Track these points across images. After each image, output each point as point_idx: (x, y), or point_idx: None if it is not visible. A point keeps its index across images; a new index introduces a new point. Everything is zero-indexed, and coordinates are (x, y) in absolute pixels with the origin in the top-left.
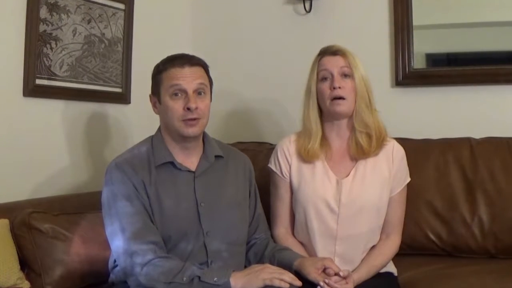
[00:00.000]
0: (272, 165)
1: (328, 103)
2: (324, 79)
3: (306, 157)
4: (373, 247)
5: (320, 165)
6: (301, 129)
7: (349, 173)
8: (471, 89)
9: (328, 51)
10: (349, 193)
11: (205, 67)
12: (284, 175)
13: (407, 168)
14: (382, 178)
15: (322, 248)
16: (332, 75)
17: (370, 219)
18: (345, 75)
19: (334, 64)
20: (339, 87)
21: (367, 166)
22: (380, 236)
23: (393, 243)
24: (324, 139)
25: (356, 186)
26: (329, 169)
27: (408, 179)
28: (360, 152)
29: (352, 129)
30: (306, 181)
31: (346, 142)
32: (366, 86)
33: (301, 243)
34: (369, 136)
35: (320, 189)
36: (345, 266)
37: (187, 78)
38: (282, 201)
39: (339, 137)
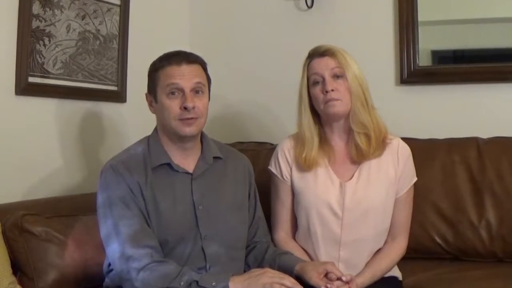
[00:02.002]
0: (272, 168)
1: (322, 107)
2: (316, 83)
3: (304, 165)
4: (378, 250)
5: (322, 169)
6: (298, 134)
7: (353, 176)
8: (478, 87)
9: (316, 53)
10: (353, 196)
11: (203, 64)
12: (285, 178)
13: (414, 167)
14: (388, 179)
15: (325, 254)
16: (324, 78)
17: (376, 222)
18: (337, 76)
19: (324, 66)
20: (332, 90)
21: (371, 167)
22: (386, 239)
23: (399, 246)
24: (326, 143)
25: (360, 188)
26: (333, 172)
27: (415, 179)
28: (359, 155)
29: (350, 130)
30: (308, 184)
31: (347, 144)
32: (360, 84)
33: (304, 249)
34: (367, 136)
35: (323, 193)
36: (349, 272)
37: (184, 76)
38: (283, 205)
39: (340, 139)
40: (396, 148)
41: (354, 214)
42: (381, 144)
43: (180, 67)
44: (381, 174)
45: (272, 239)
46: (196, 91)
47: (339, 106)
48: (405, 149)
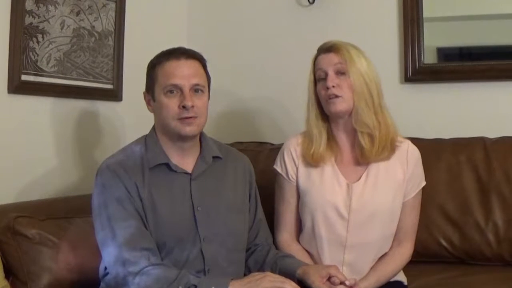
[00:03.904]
0: (277, 167)
1: (324, 104)
2: (321, 79)
3: (311, 161)
4: (383, 254)
5: (329, 169)
6: (306, 131)
7: (360, 177)
8: (485, 85)
9: (322, 48)
10: (360, 198)
11: (202, 61)
12: (291, 178)
13: (423, 171)
14: (396, 182)
15: (329, 257)
16: (327, 74)
17: (382, 226)
18: (340, 73)
19: (328, 62)
20: (333, 86)
21: (379, 169)
22: (392, 243)
23: (405, 251)
24: (333, 141)
25: (367, 190)
26: (339, 173)
27: (424, 183)
28: (363, 156)
29: (355, 130)
30: (314, 185)
31: (353, 145)
32: (367, 82)
33: (307, 251)
34: (371, 136)
35: (329, 194)
36: (353, 276)
37: (183, 74)
38: (287, 205)
39: (347, 138)
40: (405, 151)
41: (360, 216)
42: (389, 146)
43: (179, 61)
44: (389, 177)
45: (275, 241)
46: (195, 90)
47: (339, 103)
48: (414, 153)
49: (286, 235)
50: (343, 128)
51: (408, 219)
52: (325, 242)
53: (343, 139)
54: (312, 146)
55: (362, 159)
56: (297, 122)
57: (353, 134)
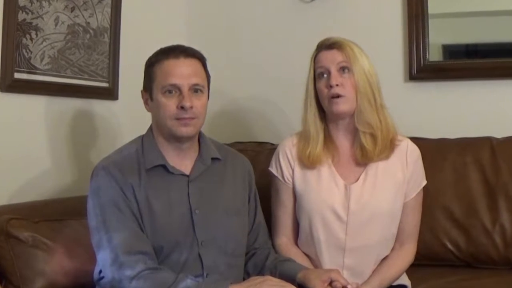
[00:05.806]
0: (273, 169)
1: (326, 103)
2: (322, 77)
3: (307, 162)
4: (385, 257)
5: (326, 170)
6: (302, 131)
7: (359, 178)
8: (492, 83)
9: (324, 45)
10: (359, 200)
11: (202, 60)
12: (286, 180)
13: (423, 170)
14: (396, 182)
15: (329, 261)
16: (329, 72)
17: (383, 227)
18: (343, 71)
19: (330, 59)
20: (337, 85)
21: (378, 169)
22: (394, 245)
23: (407, 253)
24: (330, 141)
25: (366, 191)
26: (337, 174)
27: (424, 182)
28: (364, 156)
29: (356, 130)
30: (311, 187)
31: (352, 145)
32: (369, 80)
33: (306, 255)
34: (373, 136)
35: (326, 196)
36: (354, 280)
37: (182, 74)
38: (284, 208)
39: (346, 138)
40: (404, 150)
41: (359, 218)
42: (389, 145)
43: (178, 60)
44: (388, 177)
45: (273, 245)
46: (194, 90)
47: (343, 104)
48: (414, 151)
49: (284, 238)
50: (343, 127)
51: (409, 220)
52: (323, 245)
53: (341, 139)
54: (308, 146)
55: (362, 159)
56: (296, 122)
57: (353, 134)
